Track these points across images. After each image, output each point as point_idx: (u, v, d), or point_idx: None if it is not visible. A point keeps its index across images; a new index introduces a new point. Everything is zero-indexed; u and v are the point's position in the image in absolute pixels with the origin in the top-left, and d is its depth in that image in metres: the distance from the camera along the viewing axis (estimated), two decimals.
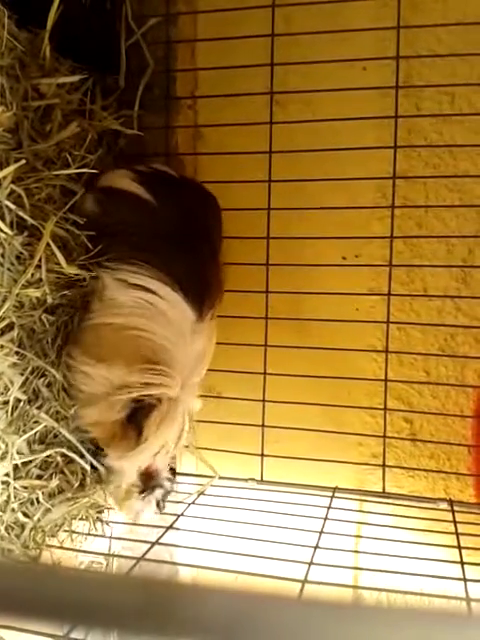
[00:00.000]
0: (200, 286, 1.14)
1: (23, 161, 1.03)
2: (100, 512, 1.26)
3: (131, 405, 1.06)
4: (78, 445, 1.12)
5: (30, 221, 1.04)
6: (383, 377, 1.35)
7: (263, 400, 1.39)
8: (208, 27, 1.39)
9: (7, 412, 1.03)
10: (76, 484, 1.14)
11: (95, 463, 1.14)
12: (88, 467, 1.13)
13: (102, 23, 1.31)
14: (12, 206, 1.02)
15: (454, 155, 1.31)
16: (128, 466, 1.12)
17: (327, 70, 1.32)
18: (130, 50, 1.36)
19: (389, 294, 1.33)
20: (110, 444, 1.10)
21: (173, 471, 1.27)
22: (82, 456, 1.16)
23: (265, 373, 1.39)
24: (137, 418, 1.07)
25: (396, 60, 1.29)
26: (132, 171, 1.20)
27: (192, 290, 1.11)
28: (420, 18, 1.29)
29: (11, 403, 1.03)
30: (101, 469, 1.19)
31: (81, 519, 1.21)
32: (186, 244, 1.15)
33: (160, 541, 1.16)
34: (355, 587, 0.96)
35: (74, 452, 1.14)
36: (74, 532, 1.18)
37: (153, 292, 1.09)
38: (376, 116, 1.31)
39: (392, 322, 1.34)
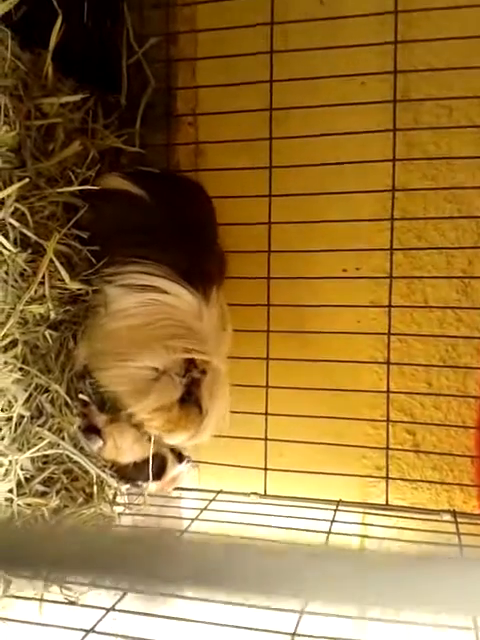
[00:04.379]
0: (199, 272, 1.15)
1: (26, 179, 1.05)
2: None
3: (183, 383, 1.11)
4: (82, 459, 1.12)
5: (34, 238, 1.06)
6: (385, 389, 1.36)
7: (266, 413, 1.39)
8: (208, 45, 1.41)
9: (11, 428, 1.03)
10: (80, 499, 1.15)
11: (102, 475, 1.14)
12: (94, 480, 1.14)
13: (103, 43, 1.33)
14: (16, 224, 1.03)
15: (452, 167, 1.32)
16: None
17: (326, 85, 1.34)
18: (131, 69, 1.38)
19: (390, 306, 1.34)
20: (176, 428, 1.13)
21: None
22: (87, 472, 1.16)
23: (267, 386, 1.39)
24: (192, 393, 1.12)
25: (394, 74, 1.30)
26: (121, 172, 1.23)
27: (192, 276, 1.14)
28: (417, 33, 1.31)
29: (14, 419, 1.03)
30: (109, 481, 1.19)
31: None
32: (180, 234, 1.17)
33: None
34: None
35: (78, 468, 1.14)
36: None
37: (157, 289, 1.12)
38: (375, 130, 1.32)
39: (393, 334, 1.35)
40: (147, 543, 0.38)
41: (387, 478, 1.36)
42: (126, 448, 1.21)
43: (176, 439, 1.16)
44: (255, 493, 1.41)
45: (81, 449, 1.14)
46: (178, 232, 1.17)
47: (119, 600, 0.88)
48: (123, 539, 0.41)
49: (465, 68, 1.28)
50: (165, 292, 1.12)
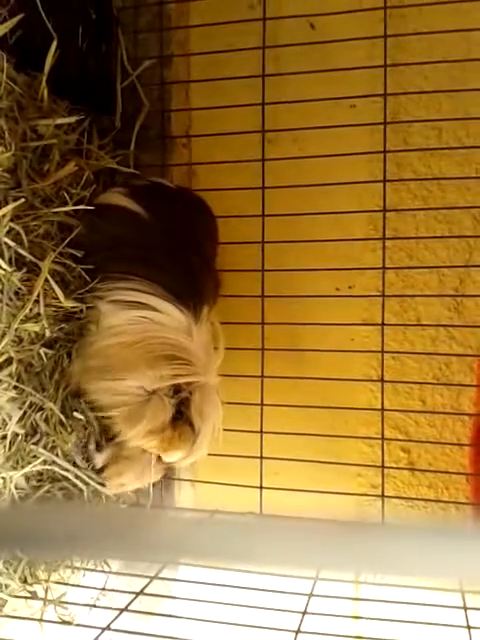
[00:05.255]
0: (192, 289, 1.16)
1: (22, 200, 1.06)
2: None
3: (173, 403, 1.11)
4: (74, 475, 1.11)
5: (29, 257, 1.06)
6: (379, 407, 1.36)
7: (261, 431, 1.39)
8: (201, 69, 1.43)
9: (5, 447, 1.03)
10: None
11: (100, 488, 1.14)
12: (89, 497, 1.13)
13: (98, 66, 1.35)
14: (11, 243, 1.04)
15: (442, 188, 1.34)
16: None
17: (317, 108, 1.36)
18: (125, 91, 1.40)
19: (383, 324, 1.35)
20: (170, 448, 1.13)
21: None
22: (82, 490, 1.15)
23: (262, 404, 1.39)
24: (183, 413, 1.12)
25: (384, 97, 1.32)
26: (126, 186, 1.24)
27: (185, 293, 1.14)
28: (406, 57, 1.33)
29: (9, 437, 1.03)
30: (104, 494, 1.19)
31: None
32: (175, 250, 1.18)
33: (159, 576, 1.16)
34: (355, 617, 0.96)
35: (73, 485, 1.14)
36: (74, 568, 1.17)
37: (147, 306, 1.12)
38: (366, 151, 1.34)
39: (387, 352, 1.36)
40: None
41: (383, 497, 1.36)
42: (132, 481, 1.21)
43: (171, 458, 1.16)
44: (251, 512, 1.40)
45: (74, 465, 1.13)
46: (173, 248, 1.17)
47: (115, 619, 0.87)
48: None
49: (453, 91, 1.31)
50: (155, 310, 1.12)
